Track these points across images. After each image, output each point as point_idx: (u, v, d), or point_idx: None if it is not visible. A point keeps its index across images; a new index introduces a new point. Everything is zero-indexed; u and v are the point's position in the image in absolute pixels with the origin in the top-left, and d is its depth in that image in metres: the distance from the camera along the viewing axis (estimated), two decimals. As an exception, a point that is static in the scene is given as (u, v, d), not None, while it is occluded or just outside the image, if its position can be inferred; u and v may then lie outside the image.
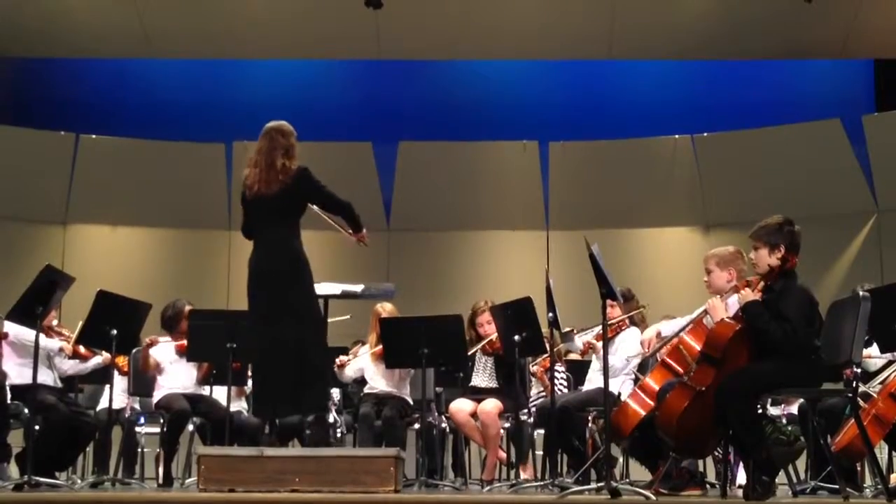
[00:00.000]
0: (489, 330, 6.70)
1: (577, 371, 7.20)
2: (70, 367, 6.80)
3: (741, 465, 5.94)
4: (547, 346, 6.39)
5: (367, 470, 4.89)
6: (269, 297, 5.38)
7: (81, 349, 6.67)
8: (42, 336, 5.94)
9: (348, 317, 6.95)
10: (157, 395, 6.75)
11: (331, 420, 6.61)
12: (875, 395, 5.68)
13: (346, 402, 7.54)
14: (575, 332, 6.74)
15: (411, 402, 6.86)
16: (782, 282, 4.90)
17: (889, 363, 5.95)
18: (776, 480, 4.87)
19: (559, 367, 7.13)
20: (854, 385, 5.14)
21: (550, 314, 5.96)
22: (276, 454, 5.08)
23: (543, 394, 7.07)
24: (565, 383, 7.27)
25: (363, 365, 7.04)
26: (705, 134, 10.69)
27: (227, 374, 6.35)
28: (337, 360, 7.00)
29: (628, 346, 6.44)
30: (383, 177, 10.70)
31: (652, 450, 5.50)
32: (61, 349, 6.56)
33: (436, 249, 10.71)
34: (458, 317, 6.38)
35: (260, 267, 5.44)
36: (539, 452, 7.02)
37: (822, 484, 5.61)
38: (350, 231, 5.70)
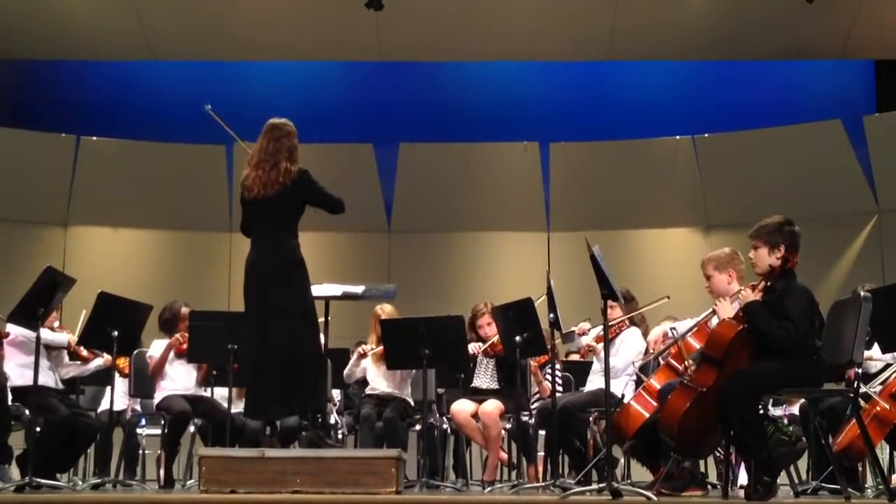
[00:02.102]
0: (489, 332, 6.70)
1: (579, 372, 7.19)
2: (72, 369, 6.80)
3: (742, 465, 5.94)
4: (548, 346, 6.39)
5: (369, 471, 4.89)
6: (265, 297, 5.35)
7: (83, 351, 6.67)
8: (48, 330, 5.93)
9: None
10: (158, 397, 6.75)
11: (332, 421, 6.61)
12: (876, 396, 5.69)
13: (348, 404, 7.54)
14: (577, 332, 6.74)
15: (412, 403, 6.86)
16: (783, 282, 4.89)
17: (890, 364, 5.96)
18: (777, 481, 4.86)
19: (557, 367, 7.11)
20: (855, 385, 5.14)
21: (552, 315, 5.96)
22: (277, 455, 5.07)
23: (537, 393, 7.06)
24: (561, 383, 7.25)
25: (365, 366, 7.04)
26: (706, 135, 10.69)
27: (227, 376, 6.36)
28: (360, 350, 6.97)
29: (629, 346, 6.44)
30: (384, 178, 10.70)
31: (653, 450, 5.50)
32: (69, 342, 6.56)
33: (437, 251, 10.71)
34: (458, 318, 6.38)
35: (256, 268, 5.43)
36: (541, 453, 7.02)
37: (823, 484, 5.60)
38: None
